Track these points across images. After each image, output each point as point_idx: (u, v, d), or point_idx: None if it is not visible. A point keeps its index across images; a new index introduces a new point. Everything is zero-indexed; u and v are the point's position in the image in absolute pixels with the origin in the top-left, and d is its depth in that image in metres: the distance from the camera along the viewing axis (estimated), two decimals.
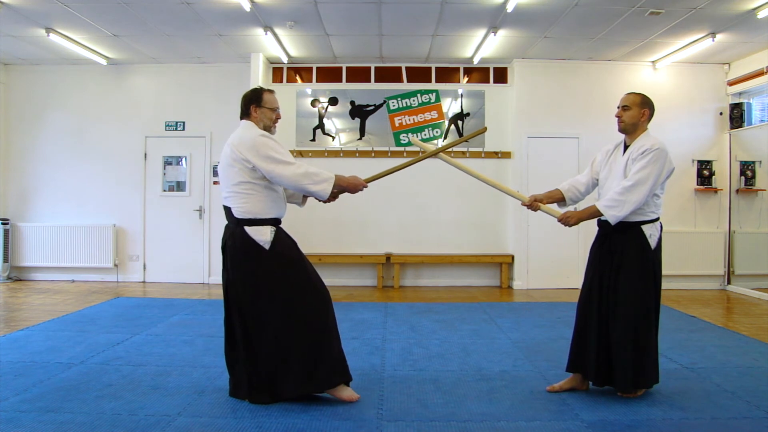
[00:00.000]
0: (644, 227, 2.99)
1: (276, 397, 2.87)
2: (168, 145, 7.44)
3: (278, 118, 3.15)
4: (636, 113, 3.12)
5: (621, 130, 3.16)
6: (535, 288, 7.05)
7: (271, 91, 3.16)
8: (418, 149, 6.92)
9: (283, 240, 2.94)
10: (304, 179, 2.84)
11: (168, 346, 4.05)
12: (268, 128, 3.08)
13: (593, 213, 3.02)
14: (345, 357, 2.95)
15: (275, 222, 2.94)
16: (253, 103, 3.10)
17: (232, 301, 2.91)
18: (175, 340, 4.24)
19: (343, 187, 2.97)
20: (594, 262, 3.11)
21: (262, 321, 2.83)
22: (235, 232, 2.88)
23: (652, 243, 2.98)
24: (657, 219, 3.04)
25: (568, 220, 3.04)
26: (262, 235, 2.85)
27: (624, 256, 2.98)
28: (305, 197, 3.22)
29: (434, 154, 3.42)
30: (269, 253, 2.84)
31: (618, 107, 3.18)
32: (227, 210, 2.93)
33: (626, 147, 3.13)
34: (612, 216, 2.93)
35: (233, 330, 2.93)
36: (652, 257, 2.98)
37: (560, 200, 3.28)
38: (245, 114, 3.12)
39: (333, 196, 2.96)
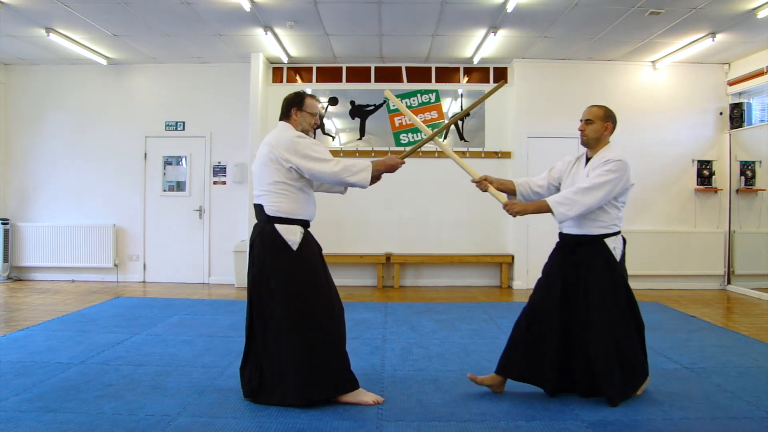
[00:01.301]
0: (607, 240, 2.98)
1: (283, 401, 2.85)
2: (168, 145, 7.44)
3: (317, 123, 3.21)
4: (599, 127, 3.08)
5: (583, 144, 3.13)
6: None
7: (312, 96, 3.23)
8: (420, 139, 6.92)
9: (310, 243, 3.01)
10: (343, 173, 2.89)
11: (168, 346, 4.05)
12: (306, 132, 3.12)
13: (541, 207, 2.99)
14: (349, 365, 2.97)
15: (305, 224, 3.01)
16: (295, 105, 3.14)
17: (255, 298, 2.94)
18: (175, 340, 4.24)
19: (381, 170, 2.98)
20: (554, 275, 3.06)
21: (280, 320, 2.85)
22: (265, 229, 2.93)
23: (617, 255, 2.99)
24: (619, 232, 3.05)
25: (512, 208, 3.00)
26: (292, 235, 2.91)
27: (591, 271, 2.97)
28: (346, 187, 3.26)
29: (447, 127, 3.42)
30: (296, 254, 2.90)
31: (581, 120, 3.13)
32: (258, 208, 2.99)
33: (588, 160, 3.11)
34: (560, 213, 2.90)
35: (253, 328, 2.95)
36: (620, 269, 3.00)
37: (510, 192, 3.25)
38: (285, 116, 3.17)
39: (375, 179, 2.99)
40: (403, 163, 3.03)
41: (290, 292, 2.86)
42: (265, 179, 2.93)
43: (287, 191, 2.91)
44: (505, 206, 3.03)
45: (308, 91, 7.40)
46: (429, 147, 6.78)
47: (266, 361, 2.89)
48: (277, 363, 2.86)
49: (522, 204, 3.05)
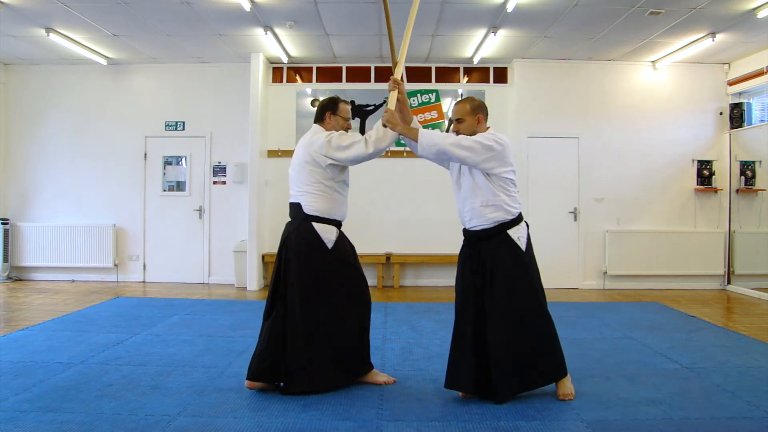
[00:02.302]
0: (510, 232, 2.94)
1: (308, 389, 3.01)
2: (168, 145, 7.44)
3: (349, 128, 3.30)
4: (471, 122, 3.06)
5: None
6: None
7: (346, 102, 3.36)
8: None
9: (344, 242, 3.19)
10: (375, 146, 3.05)
11: (168, 346, 4.04)
12: None
13: (411, 132, 2.92)
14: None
15: (338, 224, 3.19)
16: (329, 110, 3.26)
17: (281, 289, 3.08)
18: (175, 340, 4.24)
19: (398, 122, 2.98)
20: (465, 275, 3.03)
21: (302, 311, 3.00)
22: (302, 226, 3.10)
23: (522, 245, 2.95)
24: (520, 218, 3.02)
25: (389, 117, 2.92)
26: (328, 234, 3.10)
27: (496, 266, 2.92)
28: None
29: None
30: (330, 252, 3.09)
31: (453, 121, 3.12)
32: (295, 206, 3.16)
33: None
34: (421, 144, 2.86)
35: (275, 317, 3.07)
36: (526, 260, 2.96)
37: (405, 122, 3.06)
38: (319, 119, 3.29)
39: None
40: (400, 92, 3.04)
41: (323, 288, 3.05)
42: (302, 180, 3.13)
43: (323, 191, 3.10)
44: (386, 112, 2.95)
45: (308, 91, 7.40)
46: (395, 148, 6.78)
47: (285, 349, 3.03)
48: (292, 352, 3.01)
49: (400, 123, 2.97)
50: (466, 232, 3.10)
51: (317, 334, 3.01)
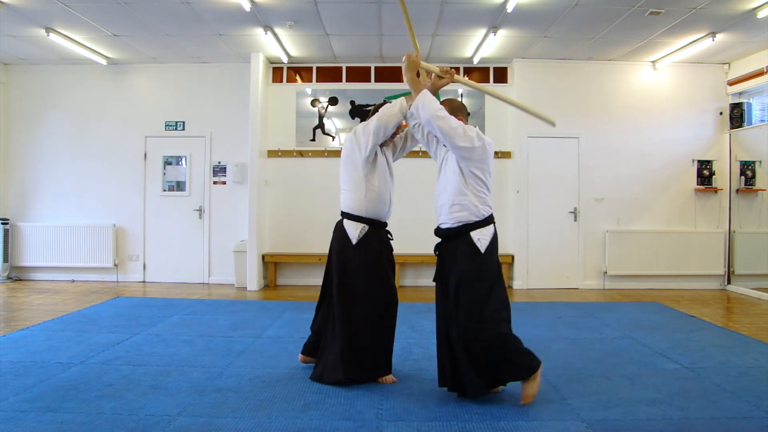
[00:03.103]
0: (473, 233, 2.89)
1: (321, 377, 3.22)
2: (168, 145, 7.44)
3: (404, 126, 3.44)
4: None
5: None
6: (535, 288, 7.05)
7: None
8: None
9: (371, 241, 3.24)
10: (381, 113, 3.21)
11: (168, 346, 4.04)
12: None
13: (417, 86, 3.05)
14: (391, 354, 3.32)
15: (371, 222, 3.24)
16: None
17: (326, 281, 3.35)
18: (175, 340, 4.24)
19: (416, 66, 3.10)
20: (437, 274, 3.07)
21: (334, 304, 3.22)
22: (338, 223, 3.32)
23: (482, 247, 2.88)
24: (487, 221, 2.94)
25: (412, 57, 3.13)
26: (354, 230, 3.22)
27: (452, 267, 2.92)
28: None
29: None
30: (354, 248, 3.20)
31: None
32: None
33: None
34: (415, 105, 2.95)
35: (320, 306, 3.40)
36: (481, 262, 2.88)
37: (418, 83, 3.11)
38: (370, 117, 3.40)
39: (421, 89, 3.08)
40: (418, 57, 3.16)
41: (344, 281, 3.20)
42: (343, 176, 3.30)
43: (356, 190, 3.22)
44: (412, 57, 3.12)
45: (308, 91, 7.40)
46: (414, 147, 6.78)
47: (323, 335, 3.32)
48: (326, 340, 3.26)
49: (417, 64, 3.12)
50: (436, 230, 3.09)
51: (342, 326, 3.15)
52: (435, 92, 3.13)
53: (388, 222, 3.36)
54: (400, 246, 7.40)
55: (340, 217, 3.32)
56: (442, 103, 3.06)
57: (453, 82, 3.21)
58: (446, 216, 2.97)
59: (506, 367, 2.88)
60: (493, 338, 2.84)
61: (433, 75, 3.18)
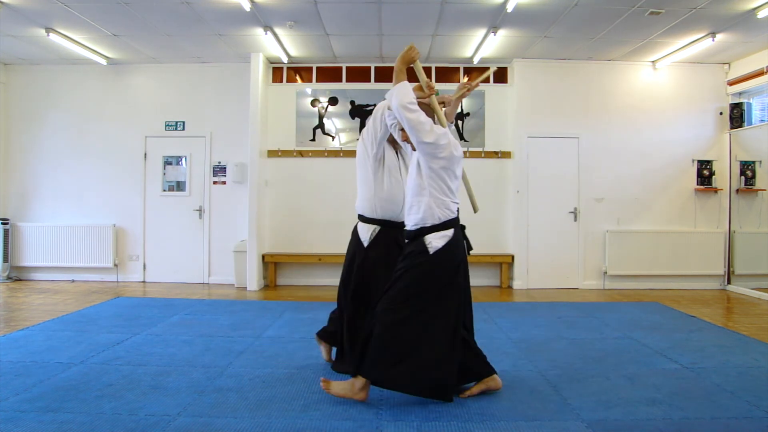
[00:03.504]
0: (427, 237, 2.84)
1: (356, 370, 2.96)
2: (168, 145, 7.44)
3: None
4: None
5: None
6: (535, 288, 7.05)
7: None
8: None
9: (381, 242, 3.25)
10: (382, 112, 3.19)
11: (168, 346, 4.04)
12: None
13: (399, 75, 2.89)
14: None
15: (383, 223, 3.27)
16: None
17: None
18: (175, 340, 4.24)
19: (406, 60, 2.97)
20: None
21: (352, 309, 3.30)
22: (356, 224, 3.39)
23: (431, 249, 2.82)
24: (447, 225, 2.85)
25: (408, 52, 2.96)
26: (365, 233, 3.30)
27: (400, 262, 2.91)
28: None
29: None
30: (366, 251, 3.26)
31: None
32: None
33: None
34: (393, 91, 2.83)
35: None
36: (426, 260, 2.81)
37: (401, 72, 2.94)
38: None
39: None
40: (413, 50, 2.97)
41: (357, 283, 3.27)
42: (357, 178, 3.35)
43: (367, 191, 3.25)
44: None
45: (308, 91, 7.40)
46: None
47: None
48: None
49: (411, 56, 2.95)
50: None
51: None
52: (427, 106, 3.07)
53: (404, 222, 3.08)
54: None
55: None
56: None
57: (425, 100, 3.00)
58: (407, 218, 2.96)
59: (361, 353, 2.83)
60: (379, 324, 2.78)
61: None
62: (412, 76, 2.94)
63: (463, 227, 3.02)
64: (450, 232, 2.85)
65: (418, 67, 3.01)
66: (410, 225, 2.93)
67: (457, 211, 2.94)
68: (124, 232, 7.44)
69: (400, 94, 2.81)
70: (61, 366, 3.52)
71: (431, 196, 2.84)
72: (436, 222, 2.84)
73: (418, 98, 2.89)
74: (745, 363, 3.72)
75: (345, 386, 2.91)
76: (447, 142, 2.83)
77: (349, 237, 3.44)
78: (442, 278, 2.83)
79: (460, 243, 2.91)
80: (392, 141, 3.32)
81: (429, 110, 2.98)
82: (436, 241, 2.83)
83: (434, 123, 2.89)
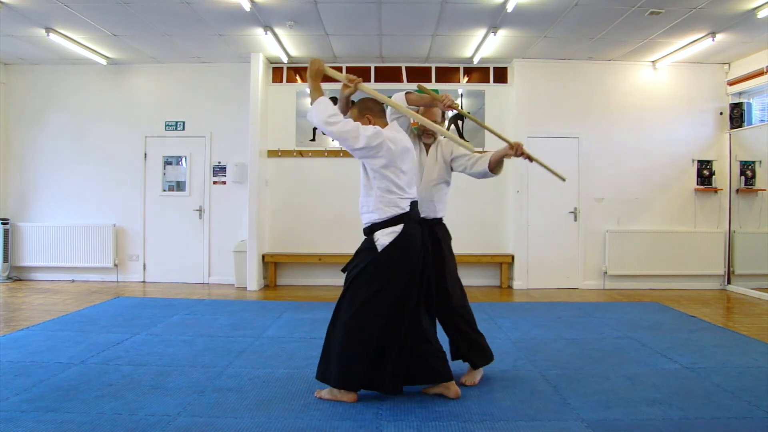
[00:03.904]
0: (377, 233, 2.89)
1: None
2: (168, 145, 7.44)
3: (413, 124, 3.35)
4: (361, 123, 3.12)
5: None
6: (535, 288, 7.05)
7: None
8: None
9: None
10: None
11: (168, 346, 4.04)
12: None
13: (314, 93, 2.97)
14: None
15: (422, 223, 3.03)
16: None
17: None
18: (175, 340, 4.24)
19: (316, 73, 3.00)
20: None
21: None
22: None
23: (379, 246, 2.86)
24: (394, 221, 2.87)
25: (316, 65, 3.01)
26: (418, 237, 2.98)
27: (353, 261, 2.99)
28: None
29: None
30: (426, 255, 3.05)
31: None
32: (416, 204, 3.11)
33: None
34: (311, 109, 2.91)
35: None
36: (372, 258, 2.86)
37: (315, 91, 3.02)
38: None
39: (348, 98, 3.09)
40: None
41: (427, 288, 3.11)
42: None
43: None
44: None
45: (308, 91, 7.38)
46: None
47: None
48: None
49: (318, 87, 2.99)
50: None
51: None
52: (346, 100, 3.09)
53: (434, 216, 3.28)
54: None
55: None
56: (354, 104, 3.07)
57: (359, 90, 3.06)
58: (361, 216, 3.01)
59: (323, 359, 2.95)
60: (333, 329, 2.92)
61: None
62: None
63: (437, 221, 3.09)
64: (398, 228, 2.87)
65: (331, 72, 3.04)
66: (364, 223, 2.98)
67: (412, 206, 2.93)
68: (124, 232, 7.44)
69: (319, 110, 2.86)
70: (61, 366, 3.52)
71: (378, 195, 2.88)
72: (385, 218, 2.87)
73: (368, 95, 3.00)
74: (745, 363, 3.72)
75: (329, 389, 2.97)
76: (380, 141, 2.83)
77: (349, 236, 3.42)
78: (390, 274, 2.85)
79: (412, 238, 2.89)
80: (419, 134, 3.35)
81: (375, 105, 3.06)
82: (383, 238, 2.86)
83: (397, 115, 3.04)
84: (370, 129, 2.85)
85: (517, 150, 3.15)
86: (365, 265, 2.88)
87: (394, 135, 2.93)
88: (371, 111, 3.05)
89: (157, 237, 7.41)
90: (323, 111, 2.85)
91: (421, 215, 3.10)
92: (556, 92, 7.18)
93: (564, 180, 3.32)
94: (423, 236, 2.97)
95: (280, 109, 7.38)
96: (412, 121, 3.28)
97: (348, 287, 2.94)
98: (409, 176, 2.95)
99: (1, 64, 7.38)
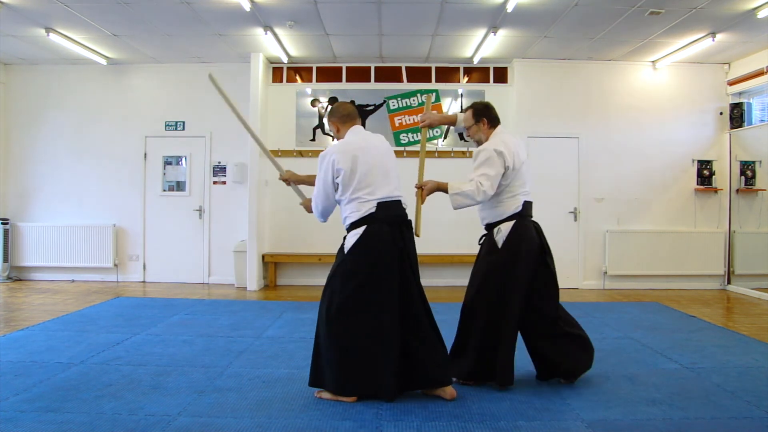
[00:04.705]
0: (347, 236, 2.98)
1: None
2: (168, 145, 7.44)
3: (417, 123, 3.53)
4: (476, 127, 3.38)
5: (477, 143, 3.41)
6: None
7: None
8: (419, 140, 6.88)
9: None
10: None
11: (168, 346, 4.04)
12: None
13: (441, 187, 3.32)
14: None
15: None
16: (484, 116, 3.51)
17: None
18: (175, 340, 4.24)
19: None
20: None
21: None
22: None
23: (345, 248, 2.95)
24: (359, 223, 2.92)
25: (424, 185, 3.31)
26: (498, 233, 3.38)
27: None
28: None
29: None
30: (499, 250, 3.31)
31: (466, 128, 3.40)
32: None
33: None
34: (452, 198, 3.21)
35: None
36: (342, 259, 2.96)
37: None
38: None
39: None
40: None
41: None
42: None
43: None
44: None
45: (308, 91, 7.40)
46: (428, 147, 6.79)
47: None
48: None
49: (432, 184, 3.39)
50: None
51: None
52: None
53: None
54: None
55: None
56: (329, 114, 3.23)
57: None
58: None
59: (314, 365, 3.00)
60: (318, 335, 2.99)
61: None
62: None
63: (404, 220, 3.07)
64: (361, 230, 2.90)
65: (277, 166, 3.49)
66: (491, 219, 3.31)
67: (382, 207, 2.92)
68: (124, 232, 7.44)
69: (316, 205, 3.13)
70: (61, 366, 3.52)
71: (347, 201, 2.96)
72: (353, 221, 2.94)
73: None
74: (745, 363, 3.72)
75: (323, 394, 3.01)
76: (328, 172, 2.95)
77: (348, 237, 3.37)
78: (358, 275, 2.89)
79: (375, 237, 2.88)
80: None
81: (338, 110, 3.18)
82: (350, 239, 2.94)
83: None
84: (321, 173, 2.98)
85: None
86: (336, 267, 2.98)
87: (347, 142, 3.01)
88: (337, 118, 3.14)
89: (157, 237, 7.41)
90: (320, 202, 3.09)
91: (483, 222, 3.36)
92: (556, 92, 7.18)
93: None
94: (393, 236, 2.92)
95: (280, 109, 7.38)
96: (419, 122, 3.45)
97: (324, 291, 3.01)
98: (372, 177, 2.92)
99: (1, 64, 7.38)
